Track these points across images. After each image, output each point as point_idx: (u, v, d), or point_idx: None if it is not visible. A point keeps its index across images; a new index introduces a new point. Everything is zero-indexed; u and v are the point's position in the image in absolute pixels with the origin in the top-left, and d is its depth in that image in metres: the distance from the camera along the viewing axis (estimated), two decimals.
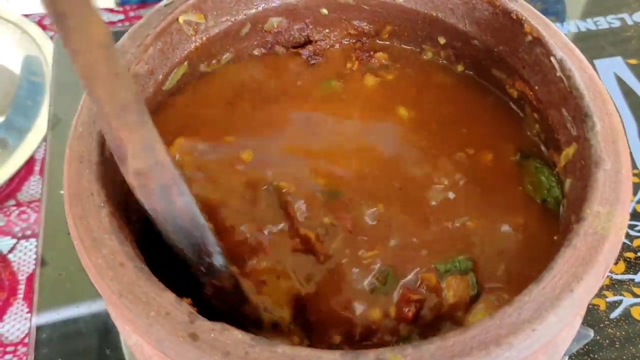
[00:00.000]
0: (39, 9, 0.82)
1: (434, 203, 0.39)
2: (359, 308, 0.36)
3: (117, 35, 0.39)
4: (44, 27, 0.79)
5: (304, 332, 0.35)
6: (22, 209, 0.63)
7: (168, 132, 0.38)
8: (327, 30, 0.48)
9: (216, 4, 0.43)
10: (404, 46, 0.48)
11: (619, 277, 0.51)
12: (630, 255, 0.53)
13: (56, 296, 0.52)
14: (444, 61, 0.47)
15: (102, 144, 0.34)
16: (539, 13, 0.40)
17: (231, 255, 0.35)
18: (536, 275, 0.30)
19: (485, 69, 0.45)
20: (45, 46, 0.77)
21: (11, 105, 0.72)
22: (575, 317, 0.32)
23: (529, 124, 0.42)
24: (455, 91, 0.46)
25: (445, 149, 0.42)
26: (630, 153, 0.36)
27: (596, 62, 0.67)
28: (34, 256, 0.59)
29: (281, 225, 0.37)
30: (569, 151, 0.37)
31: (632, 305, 0.50)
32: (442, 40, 0.46)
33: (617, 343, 0.48)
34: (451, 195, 0.39)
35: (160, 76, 0.41)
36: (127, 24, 0.80)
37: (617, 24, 0.71)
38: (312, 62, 0.47)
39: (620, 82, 0.65)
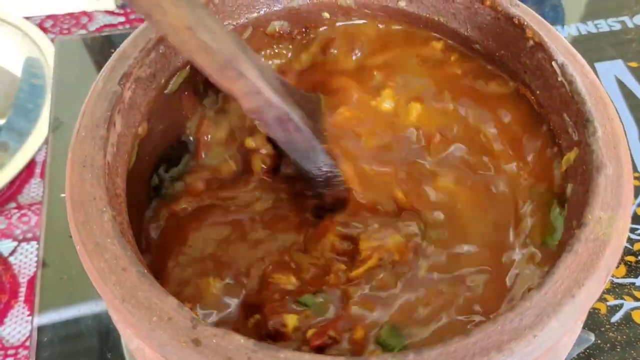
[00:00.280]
0: (40, 11, 0.82)
1: None
2: None
3: (118, 38, 0.39)
4: (44, 30, 0.80)
5: None
6: (23, 211, 0.63)
7: None
8: None
9: (218, 8, 0.43)
10: None
11: (620, 280, 0.51)
12: (631, 259, 0.53)
13: (57, 299, 0.52)
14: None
15: (105, 148, 0.34)
16: (540, 18, 0.40)
17: None
18: None
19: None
20: (46, 48, 0.77)
21: (12, 108, 0.72)
22: (577, 322, 0.32)
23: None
24: None
25: None
26: (631, 156, 0.35)
27: (597, 65, 0.67)
28: (35, 259, 0.59)
29: None
30: (570, 156, 0.37)
31: (633, 309, 0.50)
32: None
33: (618, 347, 0.48)
34: None
35: (163, 80, 0.41)
36: (127, 26, 0.80)
37: (617, 26, 0.71)
38: None
39: (621, 85, 0.65)
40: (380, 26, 0.47)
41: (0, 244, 0.61)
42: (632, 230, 0.54)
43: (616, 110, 0.37)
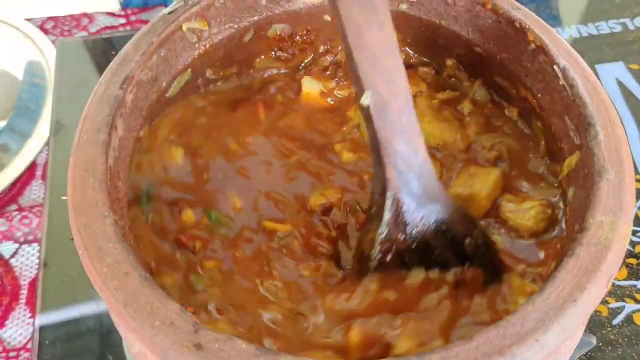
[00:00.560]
0: (41, 13, 0.82)
1: None
2: None
3: (119, 40, 0.39)
4: (45, 31, 0.80)
5: None
6: (24, 213, 0.63)
7: None
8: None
9: (219, 12, 0.43)
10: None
11: (621, 283, 0.51)
12: (633, 261, 0.53)
13: (59, 301, 0.52)
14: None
15: (106, 153, 0.34)
16: (542, 21, 0.40)
17: None
18: None
19: (487, 77, 0.45)
20: (47, 50, 0.77)
21: (13, 110, 0.72)
22: (579, 326, 0.32)
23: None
24: None
25: None
26: (633, 158, 0.35)
27: (598, 67, 0.67)
28: (36, 261, 0.59)
29: None
30: (572, 160, 0.37)
31: (634, 312, 0.50)
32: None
33: (619, 349, 0.48)
34: None
35: (164, 83, 0.41)
36: (128, 28, 0.80)
37: (618, 28, 0.71)
38: None
39: (622, 87, 0.65)
40: None
41: (2, 246, 0.61)
42: (634, 233, 0.54)
43: (617, 112, 0.37)
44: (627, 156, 0.35)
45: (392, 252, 0.36)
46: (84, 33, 0.80)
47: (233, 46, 0.45)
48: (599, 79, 0.38)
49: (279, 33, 0.47)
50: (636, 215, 0.55)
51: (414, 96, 0.45)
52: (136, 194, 0.39)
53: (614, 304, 0.50)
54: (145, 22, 0.80)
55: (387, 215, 0.35)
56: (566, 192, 0.38)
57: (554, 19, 0.73)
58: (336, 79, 0.48)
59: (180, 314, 0.29)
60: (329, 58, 0.48)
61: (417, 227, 0.35)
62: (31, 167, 0.67)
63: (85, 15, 0.82)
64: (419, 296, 0.35)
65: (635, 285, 0.51)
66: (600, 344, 0.48)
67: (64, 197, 0.34)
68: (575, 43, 0.70)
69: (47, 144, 0.67)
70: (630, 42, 0.70)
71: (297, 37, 0.47)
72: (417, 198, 0.35)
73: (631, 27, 0.71)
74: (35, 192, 0.65)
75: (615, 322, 0.49)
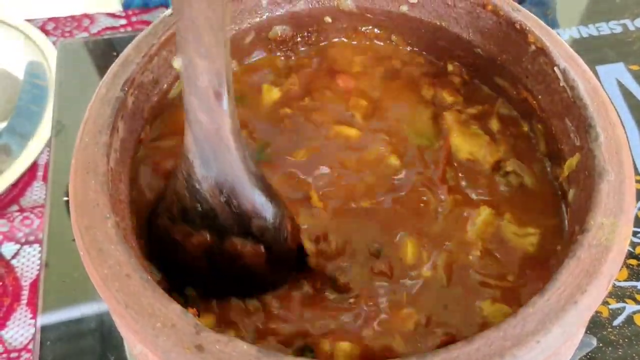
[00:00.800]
0: (42, 13, 0.82)
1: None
2: None
3: (121, 41, 0.39)
4: (46, 32, 0.80)
5: None
6: (25, 214, 0.63)
7: None
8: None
9: None
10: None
11: (622, 284, 0.51)
12: (633, 262, 0.53)
13: (60, 302, 0.52)
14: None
15: (108, 154, 0.34)
16: (542, 23, 0.40)
17: None
18: None
19: (488, 77, 0.45)
20: (49, 51, 0.77)
21: (14, 111, 0.72)
22: (579, 328, 0.32)
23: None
24: None
25: None
26: (633, 159, 0.36)
27: (598, 68, 0.67)
28: (38, 262, 0.59)
29: None
30: (572, 161, 0.37)
31: (635, 312, 0.50)
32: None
33: (620, 350, 0.48)
34: None
35: (165, 85, 0.41)
36: (129, 29, 0.80)
37: (618, 29, 0.71)
38: None
39: (622, 88, 0.65)
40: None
41: (3, 247, 0.61)
42: (634, 234, 0.54)
43: (617, 113, 0.37)
44: (627, 158, 0.35)
45: (176, 205, 0.36)
46: (85, 34, 0.80)
47: (233, 47, 0.45)
48: (599, 80, 0.38)
49: (280, 34, 0.47)
50: (636, 217, 0.55)
51: (448, 108, 0.45)
52: None
53: (614, 305, 0.50)
54: (147, 23, 0.80)
55: (179, 172, 0.36)
56: (567, 193, 0.38)
57: (554, 25, 0.73)
58: None
59: (182, 316, 0.29)
60: None
61: (205, 192, 0.35)
62: (32, 168, 0.67)
63: (86, 16, 0.82)
64: None
65: (635, 286, 0.51)
66: (601, 344, 0.48)
67: (65, 198, 0.34)
68: (576, 44, 0.70)
69: (48, 144, 0.67)
70: (631, 42, 0.70)
71: (298, 39, 0.47)
72: (210, 168, 0.35)
73: (631, 28, 0.71)
74: (36, 193, 0.65)
75: (615, 323, 0.49)
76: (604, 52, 0.68)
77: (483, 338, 0.28)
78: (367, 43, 0.49)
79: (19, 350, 0.55)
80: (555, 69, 0.38)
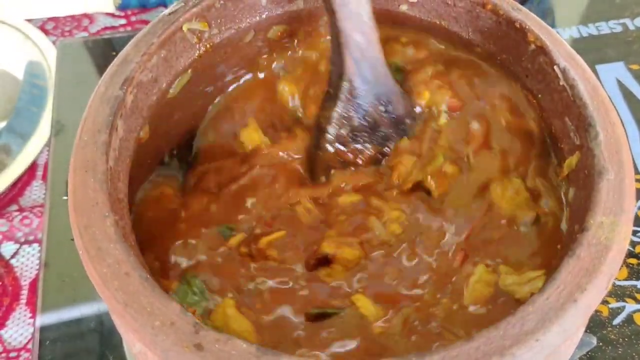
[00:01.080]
0: (42, 13, 0.82)
1: None
2: None
3: (120, 41, 0.39)
4: (46, 32, 0.80)
5: None
6: (24, 214, 0.63)
7: None
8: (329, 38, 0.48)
9: (220, 13, 0.43)
10: None
11: (622, 283, 0.51)
12: (633, 261, 0.53)
13: (59, 301, 0.52)
14: None
15: (107, 153, 0.34)
16: (542, 22, 0.40)
17: None
18: None
19: None
20: (48, 51, 0.77)
21: (14, 110, 0.72)
22: (579, 327, 0.32)
23: None
24: None
25: None
26: (633, 158, 0.35)
27: (598, 67, 0.67)
28: (37, 261, 0.59)
29: None
30: (572, 160, 0.37)
31: (635, 312, 0.50)
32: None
33: (619, 349, 0.48)
34: None
35: (164, 84, 0.41)
36: (129, 28, 0.80)
37: (618, 29, 0.71)
38: None
39: (622, 87, 0.65)
40: None
41: (2, 246, 0.61)
42: (634, 233, 0.54)
43: (617, 112, 0.37)
44: (627, 157, 0.35)
45: (345, 127, 0.42)
46: (85, 34, 0.80)
47: (233, 47, 0.45)
48: (599, 79, 0.38)
49: (279, 34, 0.47)
50: (636, 216, 0.55)
51: None
52: None
53: (614, 304, 0.50)
54: (146, 22, 0.80)
55: (343, 95, 0.41)
56: (567, 192, 0.38)
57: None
58: None
59: (181, 315, 0.29)
60: None
61: (368, 106, 0.42)
62: (32, 168, 0.67)
63: (85, 15, 0.82)
64: None
65: (635, 285, 0.51)
66: (601, 344, 0.48)
67: (64, 197, 0.34)
68: (576, 43, 0.70)
69: (47, 144, 0.67)
70: (631, 42, 0.70)
71: (297, 38, 0.47)
72: (368, 83, 0.41)
73: (631, 28, 0.71)
74: (35, 192, 0.65)
75: (615, 322, 0.49)
76: (604, 51, 0.68)
77: (483, 337, 0.28)
78: None
79: (18, 350, 0.54)
80: (555, 68, 0.38)
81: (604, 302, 0.50)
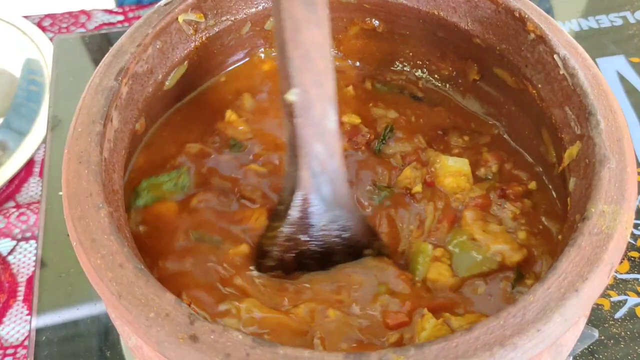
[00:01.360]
0: (39, 10, 0.82)
1: None
2: None
3: (117, 36, 0.39)
4: (43, 29, 0.79)
5: None
6: (21, 210, 0.63)
7: None
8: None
9: (216, 3, 0.43)
10: None
11: (623, 276, 0.51)
12: (635, 254, 0.52)
13: (56, 298, 0.51)
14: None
15: (101, 144, 0.34)
16: (542, 11, 0.40)
17: None
18: None
19: (487, 68, 0.45)
20: (45, 48, 0.77)
21: (11, 107, 0.72)
22: (580, 318, 0.32)
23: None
24: None
25: None
26: (634, 151, 0.35)
27: (598, 60, 0.66)
28: (34, 258, 0.59)
29: None
30: (573, 150, 0.37)
31: (636, 305, 0.49)
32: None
33: (622, 343, 0.47)
34: None
35: (160, 76, 0.41)
36: (126, 24, 0.80)
37: (619, 22, 0.70)
38: None
39: (623, 80, 0.64)
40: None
41: None
42: (636, 226, 0.54)
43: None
44: (629, 146, 0.34)
45: (292, 252, 0.36)
46: (82, 30, 0.79)
47: (230, 39, 0.45)
48: None
49: None
50: (638, 208, 0.55)
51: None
52: None
53: (615, 298, 0.50)
54: None
55: (294, 214, 0.35)
56: (567, 182, 0.37)
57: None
58: None
59: (176, 306, 0.28)
60: None
61: (321, 230, 0.36)
62: (28, 164, 0.66)
63: (83, 12, 0.81)
64: None
65: (637, 279, 0.51)
66: (603, 337, 0.47)
67: (61, 193, 0.34)
68: (576, 37, 0.69)
69: (44, 141, 0.66)
70: (631, 35, 0.69)
71: None
72: (325, 201, 0.35)
73: (632, 21, 0.71)
74: (32, 189, 0.65)
75: (617, 315, 0.49)
76: (605, 44, 0.68)
77: (483, 327, 0.28)
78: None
79: (15, 347, 0.54)
80: (555, 56, 0.38)
81: (606, 295, 0.50)
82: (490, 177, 0.42)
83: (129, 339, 0.32)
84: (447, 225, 0.39)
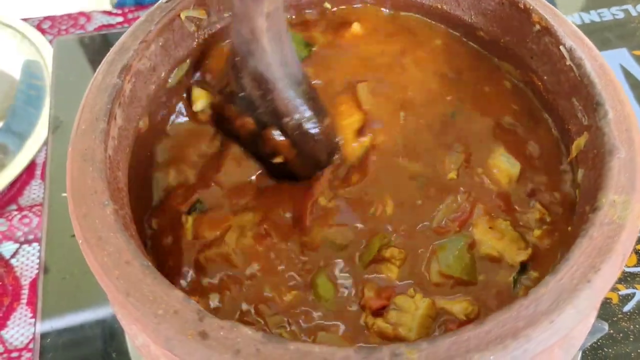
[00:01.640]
0: (38, 12, 0.81)
1: None
2: None
3: (116, 37, 0.39)
4: (42, 31, 0.79)
5: None
6: (24, 213, 0.62)
7: None
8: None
9: (219, 0, 0.42)
10: None
11: (631, 269, 0.50)
12: None
13: (60, 301, 0.51)
14: None
15: (106, 142, 0.34)
16: (546, 2, 0.40)
17: None
18: None
19: (491, 61, 0.44)
20: (45, 50, 0.76)
21: (11, 110, 0.71)
22: (592, 310, 0.31)
23: None
24: None
25: None
26: None
27: (601, 54, 0.66)
28: (37, 261, 0.59)
29: None
30: (581, 141, 0.36)
31: None
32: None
33: (631, 336, 0.47)
34: None
35: (163, 73, 0.40)
36: (126, 25, 0.80)
37: (621, 15, 0.70)
38: None
39: (627, 73, 0.64)
40: None
41: (2, 246, 0.60)
42: None
43: None
44: (637, 135, 0.34)
45: (228, 88, 0.38)
46: (82, 32, 0.79)
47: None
48: None
49: None
50: None
51: None
52: None
53: (624, 291, 0.49)
54: None
55: (230, 59, 0.38)
56: (576, 173, 0.37)
57: None
58: None
59: (184, 302, 0.28)
60: None
61: (245, 83, 0.38)
62: (30, 167, 0.66)
63: (82, 14, 0.81)
64: None
65: None
66: (612, 331, 0.47)
67: (64, 194, 0.33)
68: None
69: (45, 143, 0.66)
70: (633, 28, 0.69)
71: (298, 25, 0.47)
72: (248, 63, 0.37)
73: (634, 14, 0.70)
74: (34, 191, 0.64)
75: (626, 309, 0.48)
76: (607, 38, 0.68)
77: (495, 319, 0.27)
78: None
79: (20, 350, 0.54)
80: (561, 47, 0.38)
81: (614, 289, 0.49)
82: None
83: (136, 338, 0.31)
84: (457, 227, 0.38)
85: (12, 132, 0.69)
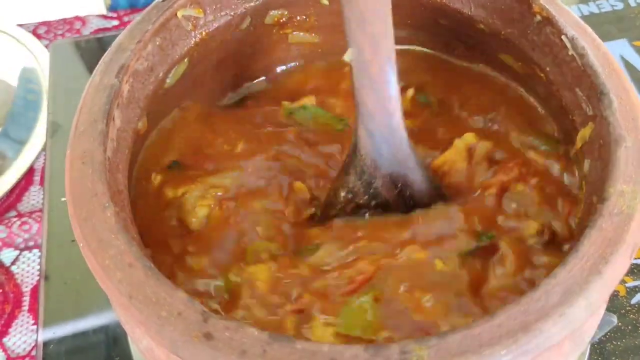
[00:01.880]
0: (34, 18, 0.81)
1: None
2: None
3: (112, 40, 0.38)
4: (38, 36, 0.78)
5: None
6: (23, 219, 0.62)
7: None
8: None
9: None
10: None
11: (638, 262, 0.50)
12: None
13: (62, 307, 0.51)
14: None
15: (105, 144, 0.33)
16: None
17: None
18: None
19: (492, 54, 0.44)
20: (41, 55, 0.76)
21: (8, 117, 0.71)
22: (602, 303, 0.31)
23: None
24: None
25: None
26: None
27: None
28: (38, 267, 0.58)
29: None
30: (585, 132, 0.36)
31: None
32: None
33: (639, 328, 0.46)
34: None
35: (161, 73, 0.40)
36: (122, 28, 0.79)
37: (620, 6, 0.70)
38: None
39: (628, 64, 0.64)
40: None
41: (2, 253, 0.59)
42: None
43: None
44: None
45: (351, 205, 0.38)
46: (77, 36, 0.79)
47: (230, 34, 0.44)
48: None
49: (276, 19, 0.45)
50: None
51: None
52: None
53: (631, 283, 0.49)
54: None
55: (352, 170, 0.37)
56: (581, 165, 0.36)
57: None
58: None
59: (188, 304, 0.27)
60: None
61: (379, 187, 0.37)
62: (29, 173, 0.66)
63: (77, 18, 0.81)
64: None
65: None
66: (620, 324, 0.46)
67: (63, 199, 0.33)
68: None
69: (43, 149, 0.66)
70: (633, 18, 0.69)
71: (296, 23, 0.46)
72: (384, 160, 0.36)
73: (633, 4, 0.70)
74: (34, 197, 0.64)
75: (634, 301, 0.48)
76: (606, 29, 0.67)
77: (505, 313, 0.27)
78: None
79: (22, 358, 0.53)
80: (563, 37, 0.37)
81: (621, 281, 0.49)
82: None
83: (140, 341, 0.31)
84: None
85: (10, 139, 0.69)
